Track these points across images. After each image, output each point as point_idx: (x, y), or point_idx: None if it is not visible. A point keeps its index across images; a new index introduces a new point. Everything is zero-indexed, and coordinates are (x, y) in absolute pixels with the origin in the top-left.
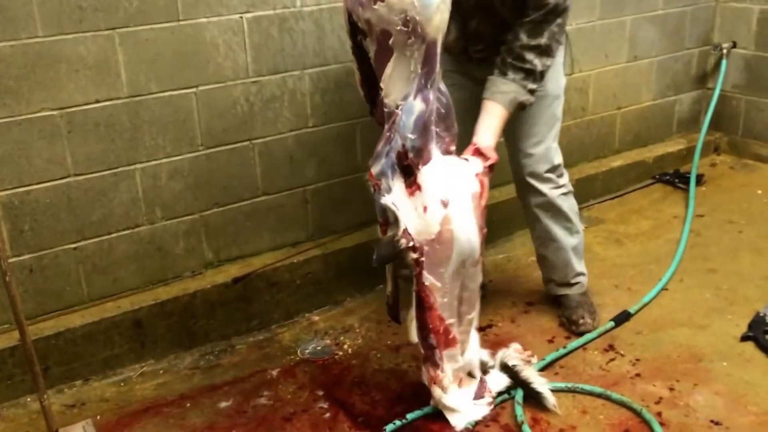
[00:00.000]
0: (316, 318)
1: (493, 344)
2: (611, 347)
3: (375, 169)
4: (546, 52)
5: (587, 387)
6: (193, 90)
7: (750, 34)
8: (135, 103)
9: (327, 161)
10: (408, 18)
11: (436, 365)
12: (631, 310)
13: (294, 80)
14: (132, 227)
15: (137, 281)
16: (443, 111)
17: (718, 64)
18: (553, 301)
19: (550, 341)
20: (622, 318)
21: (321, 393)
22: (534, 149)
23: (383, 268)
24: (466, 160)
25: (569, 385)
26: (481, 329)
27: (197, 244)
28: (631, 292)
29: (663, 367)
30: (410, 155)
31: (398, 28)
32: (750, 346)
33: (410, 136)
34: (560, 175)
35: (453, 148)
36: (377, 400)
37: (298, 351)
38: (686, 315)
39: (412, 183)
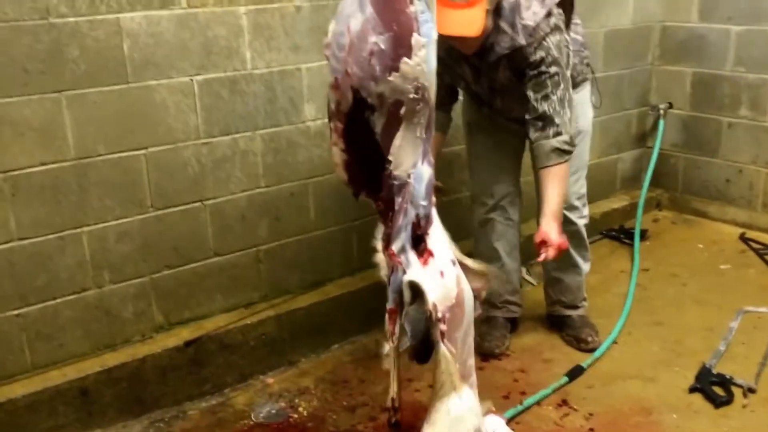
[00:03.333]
0: (271, 380)
1: None
2: (565, 402)
3: (396, 247)
4: (550, 97)
5: None
6: (143, 151)
7: (685, 95)
8: (82, 165)
9: (280, 221)
10: (419, 85)
11: None
12: (584, 365)
13: (245, 141)
14: (78, 291)
15: (84, 347)
16: None
17: (656, 124)
18: (553, 322)
19: (506, 397)
20: (576, 373)
21: None
22: None
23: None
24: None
25: None
26: None
27: (147, 308)
28: None
29: (615, 420)
30: (422, 223)
31: (411, 96)
32: (698, 397)
33: (422, 203)
34: (584, 205)
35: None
36: None
37: (252, 415)
38: (636, 368)
39: (423, 251)
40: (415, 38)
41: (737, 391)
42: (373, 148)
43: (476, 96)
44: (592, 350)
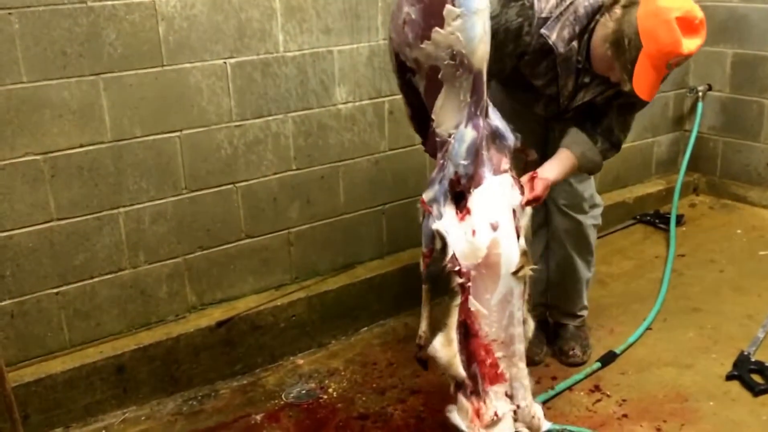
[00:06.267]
0: (301, 361)
1: None
2: (597, 388)
3: (427, 196)
4: (629, 127)
5: (574, 429)
6: (177, 134)
7: (725, 77)
8: (119, 147)
9: (310, 203)
10: (454, 52)
11: (479, 396)
12: (617, 351)
13: (277, 123)
14: (115, 271)
15: (120, 326)
16: (494, 133)
17: (694, 107)
18: (547, 328)
19: (537, 382)
20: (608, 358)
21: None
22: (573, 178)
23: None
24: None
25: (557, 426)
26: None
27: (180, 288)
28: (615, 333)
29: (649, 407)
30: (462, 181)
31: (446, 62)
32: (736, 385)
33: (462, 162)
34: (593, 206)
35: (506, 165)
36: None
37: (283, 395)
38: (671, 354)
39: (462, 207)
40: (448, 9)
41: None
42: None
43: (536, 100)
44: (573, 365)
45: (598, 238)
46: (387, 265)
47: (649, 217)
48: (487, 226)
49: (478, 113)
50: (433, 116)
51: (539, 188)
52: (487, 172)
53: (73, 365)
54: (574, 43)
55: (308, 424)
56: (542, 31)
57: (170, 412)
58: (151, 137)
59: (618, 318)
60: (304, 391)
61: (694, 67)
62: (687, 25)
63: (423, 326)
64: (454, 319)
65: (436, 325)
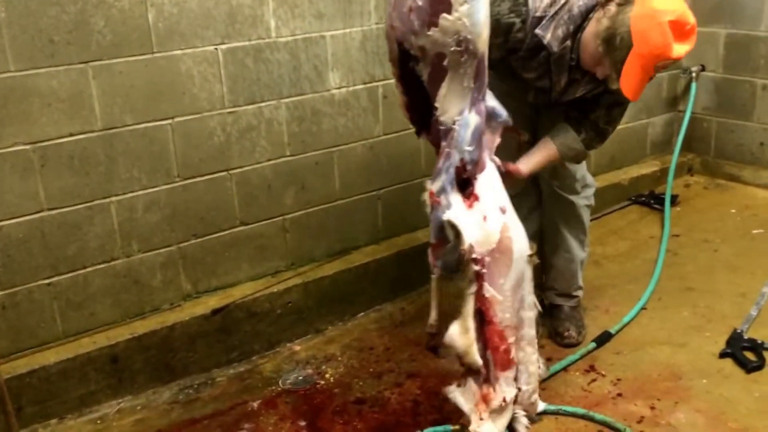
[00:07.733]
0: (298, 347)
1: None
2: (592, 368)
3: (435, 187)
4: (615, 120)
5: (570, 409)
6: (169, 121)
7: (718, 57)
8: (110, 135)
9: (305, 189)
10: (461, 38)
11: (489, 383)
12: (612, 331)
13: (270, 110)
14: (108, 260)
15: (114, 315)
16: (490, 114)
17: (688, 87)
18: (546, 309)
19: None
20: (604, 338)
21: (303, 423)
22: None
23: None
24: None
25: (552, 407)
26: None
27: (175, 276)
28: (610, 313)
29: (644, 386)
30: (468, 167)
31: (452, 49)
32: (729, 362)
33: (467, 148)
34: (584, 186)
35: (497, 143)
36: (359, 429)
37: (280, 381)
38: (665, 333)
39: (469, 194)
40: None
41: None
42: (426, 94)
43: (525, 89)
44: (569, 346)
45: (593, 219)
46: (383, 250)
47: (643, 198)
48: (496, 210)
49: (481, 98)
50: (436, 104)
51: (516, 173)
52: (486, 156)
53: (67, 356)
54: (568, 42)
55: (305, 409)
56: (537, 31)
57: (166, 400)
58: (143, 125)
59: (613, 298)
60: (301, 377)
61: None
62: (679, 29)
63: (433, 315)
64: (470, 307)
65: (427, 311)
